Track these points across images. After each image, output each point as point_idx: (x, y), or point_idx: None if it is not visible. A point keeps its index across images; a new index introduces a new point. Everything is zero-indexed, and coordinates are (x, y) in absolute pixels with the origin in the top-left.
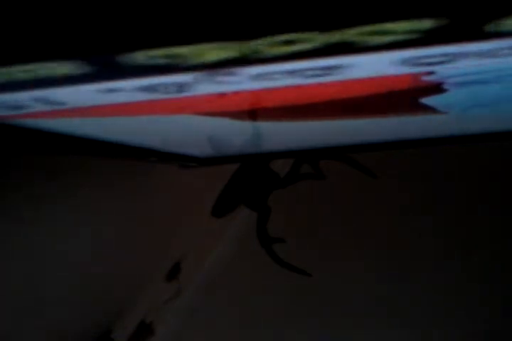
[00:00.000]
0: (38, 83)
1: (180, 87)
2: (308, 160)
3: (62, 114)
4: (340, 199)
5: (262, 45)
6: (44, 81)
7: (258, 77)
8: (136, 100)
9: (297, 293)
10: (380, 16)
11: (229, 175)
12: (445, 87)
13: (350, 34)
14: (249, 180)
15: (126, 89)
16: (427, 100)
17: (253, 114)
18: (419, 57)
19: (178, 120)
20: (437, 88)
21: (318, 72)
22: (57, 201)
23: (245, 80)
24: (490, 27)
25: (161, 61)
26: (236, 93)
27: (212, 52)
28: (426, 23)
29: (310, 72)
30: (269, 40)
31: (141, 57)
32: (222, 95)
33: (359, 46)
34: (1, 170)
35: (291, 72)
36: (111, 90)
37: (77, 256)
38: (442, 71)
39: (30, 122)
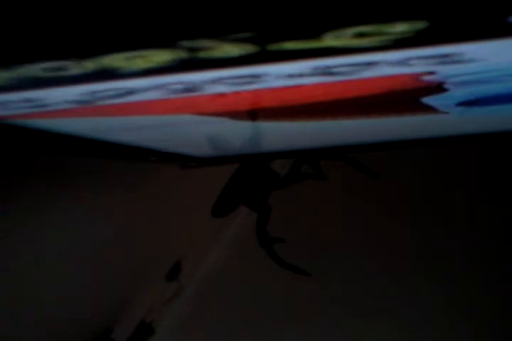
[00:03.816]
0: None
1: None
2: (309, 160)
3: (62, 114)
4: (340, 199)
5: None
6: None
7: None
8: (136, 100)
9: (297, 293)
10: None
11: (229, 175)
12: (446, 86)
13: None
14: (249, 180)
15: (126, 90)
16: (427, 100)
17: (253, 114)
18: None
19: (178, 120)
20: (438, 88)
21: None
22: (57, 201)
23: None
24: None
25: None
26: (236, 93)
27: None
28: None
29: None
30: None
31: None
32: (222, 95)
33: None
34: (1, 170)
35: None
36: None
37: (77, 256)
38: (443, 71)
39: (30, 122)
